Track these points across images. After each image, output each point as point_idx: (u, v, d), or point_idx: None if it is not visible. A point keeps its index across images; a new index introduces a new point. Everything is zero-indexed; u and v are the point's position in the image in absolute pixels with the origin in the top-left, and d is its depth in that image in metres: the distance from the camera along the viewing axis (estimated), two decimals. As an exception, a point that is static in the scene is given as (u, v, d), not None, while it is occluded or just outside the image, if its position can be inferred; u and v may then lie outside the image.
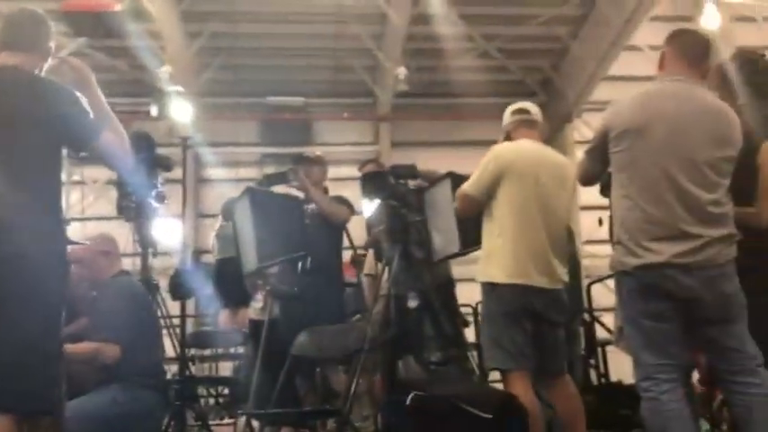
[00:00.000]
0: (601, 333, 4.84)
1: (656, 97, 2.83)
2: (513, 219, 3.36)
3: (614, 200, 2.86)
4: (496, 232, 3.39)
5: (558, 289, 3.40)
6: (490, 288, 3.37)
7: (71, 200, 9.56)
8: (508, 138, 3.59)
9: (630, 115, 2.79)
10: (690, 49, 2.86)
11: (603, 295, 3.89)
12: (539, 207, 3.37)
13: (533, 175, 3.36)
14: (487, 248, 3.44)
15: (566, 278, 3.47)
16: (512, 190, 3.37)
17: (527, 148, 3.50)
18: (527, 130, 3.56)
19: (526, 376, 3.27)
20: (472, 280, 6.20)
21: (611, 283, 3.12)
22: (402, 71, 9.62)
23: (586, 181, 3.12)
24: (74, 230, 7.22)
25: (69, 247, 2.56)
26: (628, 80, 8.91)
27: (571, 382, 3.56)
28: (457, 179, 3.89)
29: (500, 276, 3.33)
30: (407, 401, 3.01)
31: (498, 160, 3.42)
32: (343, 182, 6.58)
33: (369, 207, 4.95)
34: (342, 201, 5.01)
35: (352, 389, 3.66)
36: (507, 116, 3.64)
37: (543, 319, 3.36)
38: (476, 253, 4.21)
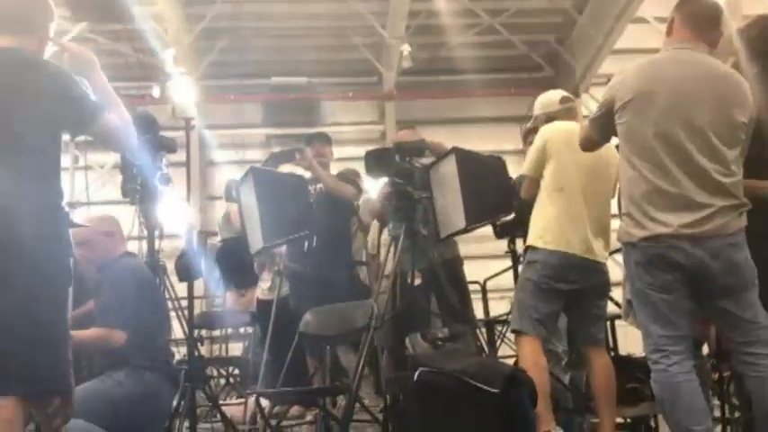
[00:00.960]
0: (610, 307, 4.84)
1: (660, 65, 2.79)
2: (557, 193, 3.49)
3: (621, 171, 2.84)
4: (543, 203, 3.53)
5: (596, 260, 3.50)
6: (531, 251, 3.52)
7: (78, 185, 9.58)
8: (549, 121, 3.70)
9: (635, 84, 2.75)
10: (698, 17, 2.80)
11: (611, 269, 3.90)
12: (582, 184, 3.48)
13: (578, 154, 3.37)
14: (534, 217, 3.57)
15: (605, 253, 3.57)
16: (557, 165, 3.49)
17: (574, 128, 3.57)
18: (571, 118, 3.71)
19: (538, 342, 3.40)
20: (479, 257, 6.20)
21: (618, 257, 3.12)
22: (406, 48, 9.55)
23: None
24: (80, 215, 7.25)
25: (72, 230, 2.54)
26: (634, 53, 8.78)
27: (607, 356, 3.68)
28: (461, 154, 3.88)
29: (541, 242, 3.48)
30: (415, 378, 3.01)
31: (545, 136, 3.56)
32: (349, 161, 6.56)
33: (374, 185, 4.94)
34: (348, 179, 5.01)
35: (361, 366, 3.66)
36: (553, 102, 3.80)
37: (580, 287, 3.47)
38: (482, 230, 4.21)
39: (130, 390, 3.36)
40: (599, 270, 3.55)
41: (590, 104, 10.10)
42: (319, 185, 4.87)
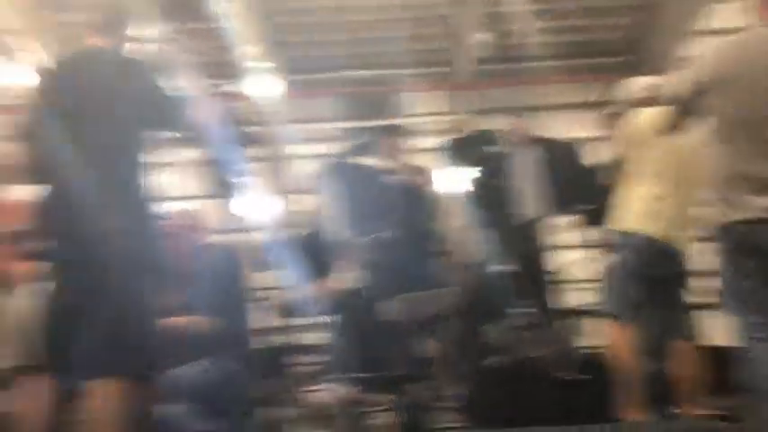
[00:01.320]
0: (694, 297, 4.72)
1: (745, 45, 2.70)
2: (647, 178, 3.51)
3: (707, 155, 2.76)
4: (633, 189, 3.55)
5: (680, 249, 3.52)
6: (621, 236, 3.55)
7: (164, 180, 9.89)
8: (636, 107, 3.70)
9: (719, 65, 2.68)
10: None
11: (698, 257, 3.80)
12: (673, 170, 3.50)
13: (668, 140, 3.35)
14: (623, 202, 3.58)
15: (688, 242, 3.58)
16: (647, 151, 3.51)
17: (663, 114, 3.52)
18: (658, 104, 3.63)
19: (627, 328, 3.43)
20: (556, 247, 6.10)
21: (705, 245, 3.05)
22: (480, 37, 9.46)
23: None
24: (165, 209, 7.51)
25: (160, 223, 2.66)
26: (718, 34, 8.47)
27: (691, 345, 3.65)
28: (542, 143, 3.86)
29: (631, 227, 3.51)
30: (493, 365, 3.02)
31: (637, 122, 3.58)
32: (423, 153, 6.57)
33: (455, 174, 4.95)
34: (421, 170, 5.04)
35: (440, 354, 3.69)
36: (640, 88, 3.83)
37: (666, 274, 3.51)
38: (559, 219, 4.17)
39: (213, 376, 3.48)
40: (683, 259, 3.54)
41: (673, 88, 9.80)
42: (397, 177, 4.91)
